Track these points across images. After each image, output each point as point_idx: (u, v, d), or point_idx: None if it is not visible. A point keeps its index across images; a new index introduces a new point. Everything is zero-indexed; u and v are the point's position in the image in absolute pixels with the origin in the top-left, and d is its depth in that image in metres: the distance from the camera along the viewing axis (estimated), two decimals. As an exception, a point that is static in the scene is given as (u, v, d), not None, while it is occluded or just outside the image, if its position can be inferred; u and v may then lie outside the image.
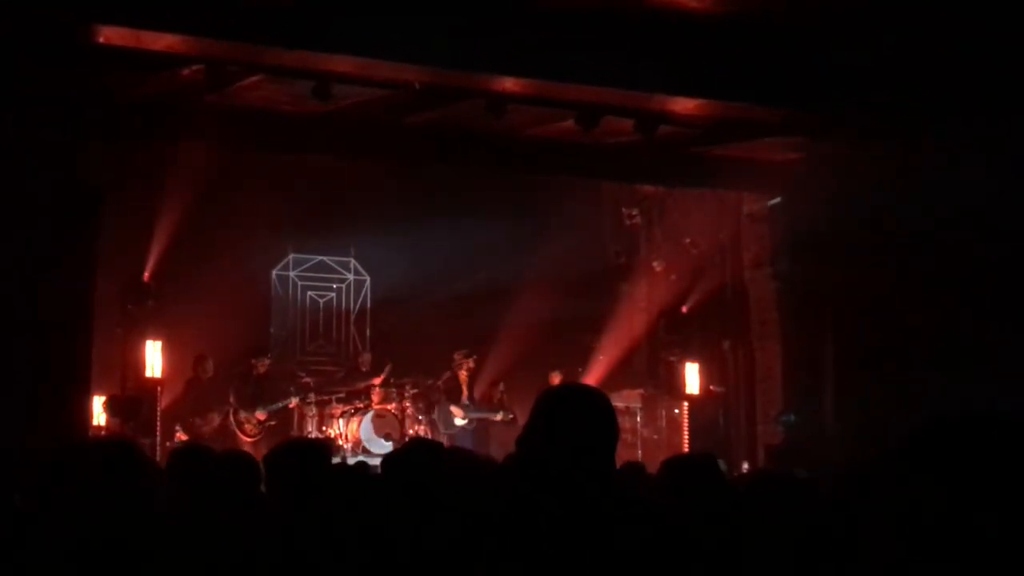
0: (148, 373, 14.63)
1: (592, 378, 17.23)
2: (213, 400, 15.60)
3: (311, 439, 14.20)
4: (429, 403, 16.99)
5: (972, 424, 2.44)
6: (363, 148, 14.86)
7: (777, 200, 16.46)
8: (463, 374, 17.01)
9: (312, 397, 16.23)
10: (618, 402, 16.60)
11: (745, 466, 15.40)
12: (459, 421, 16.70)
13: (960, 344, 12.81)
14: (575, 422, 3.49)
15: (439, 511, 4.01)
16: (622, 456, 4.20)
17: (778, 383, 16.46)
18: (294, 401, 15.99)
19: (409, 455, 5.18)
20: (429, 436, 15.42)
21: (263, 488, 4.84)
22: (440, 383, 16.96)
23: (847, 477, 5.25)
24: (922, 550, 2.39)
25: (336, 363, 18.00)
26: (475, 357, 17.12)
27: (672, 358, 17.72)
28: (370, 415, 16.15)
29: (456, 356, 16.96)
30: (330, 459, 4.92)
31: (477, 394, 17.26)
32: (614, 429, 3.53)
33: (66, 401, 11.87)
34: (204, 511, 4.37)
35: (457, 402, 16.85)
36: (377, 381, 16.46)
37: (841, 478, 5.36)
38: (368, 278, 18.46)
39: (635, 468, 7.88)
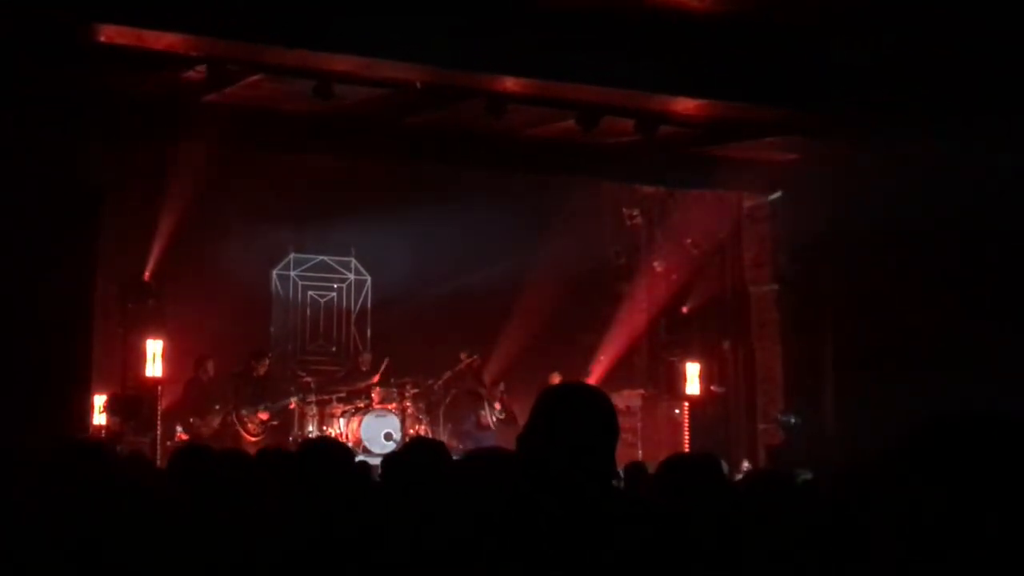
0: (148, 372, 14.63)
1: (593, 378, 17.23)
2: (214, 400, 15.60)
3: (330, 439, 14.16)
4: (430, 403, 17.01)
5: (972, 424, 2.44)
6: (363, 148, 14.87)
7: (777, 199, 16.46)
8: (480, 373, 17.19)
9: (313, 397, 16.24)
10: (619, 402, 16.53)
11: (746, 465, 15.40)
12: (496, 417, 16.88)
13: (960, 344, 12.82)
14: (575, 422, 3.47)
15: (439, 511, 4.01)
16: (622, 456, 4.18)
17: (778, 383, 16.46)
18: (294, 402, 16.02)
19: (410, 455, 5.17)
20: (430, 435, 15.40)
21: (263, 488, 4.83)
22: (440, 383, 16.99)
23: (847, 477, 5.25)
24: (922, 550, 2.39)
25: (337, 363, 17.99)
26: (478, 356, 17.19)
27: (673, 358, 17.72)
28: (371, 415, 16.16)
29: (463, 356, 17.00)
30: (333, 459, 4.85)
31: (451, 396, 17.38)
32: (614, 429, 3.51)
33: (66, 400, 11.90)
34: (204, 510, 4.36)
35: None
36: (375, 379, 16.47)
37: (841, 478, 5.36)
38: (369, 278, 18.46)
39: (638, 468, 7.89)
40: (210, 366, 15.63)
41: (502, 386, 17.23)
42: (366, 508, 4.06)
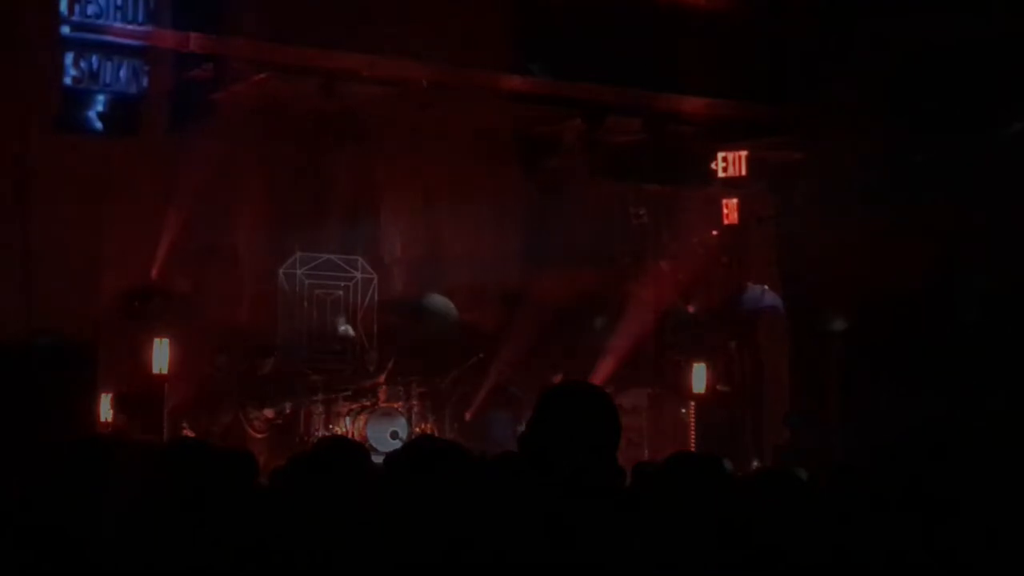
0: (155, 370, 14.63)
1: (598, 377, 17.20)
2: (222, 399, 15.61)
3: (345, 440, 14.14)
4: (436, 401, 17.00)
5: (971, 427, 2.47)
6: (368, 146, 14.88)
7: (779, 200, 16.47)
8: None
9: (319, 395, 16.24)
10: (624, 401, 16.60)
11: (755, 465, 15.39)
12: None
13: (963, 343, 12.82)
14: (576, 421, 3.48)
15: (439, 511, 4.01)
16: (627, 456, 4.18)
17: (785, 383, 16.46)
18: (290, 407, 16.00)
19: (412, 454, 5.17)
20: (436, 434, 15.40)
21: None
22: (447, 381, 16.98)
23: (847, 476, 5.26)
24: (921, 549, 2.41)
25: (343, 361, 17.97)
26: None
27: (679, 358, 17.70)
28: (377, 413, 16.16)
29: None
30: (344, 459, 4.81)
31: (483, 394, 17.31)
32: (616, 428, 3.52)
33: (72, 398, 11.90)
34: (202, 508, 4.37)
35: None
36: (381, 378, 16.46)
37: (842, 477, 5.37)
38: (375, 276, 18.45)
39: (646, 467, 7.87)
40: (224, 361, 15.66)
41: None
42: (365, 508, 4.07)
